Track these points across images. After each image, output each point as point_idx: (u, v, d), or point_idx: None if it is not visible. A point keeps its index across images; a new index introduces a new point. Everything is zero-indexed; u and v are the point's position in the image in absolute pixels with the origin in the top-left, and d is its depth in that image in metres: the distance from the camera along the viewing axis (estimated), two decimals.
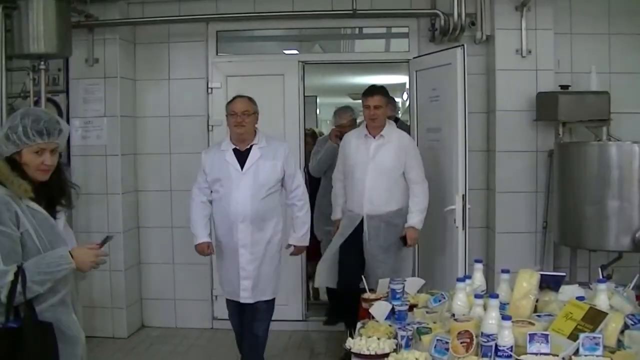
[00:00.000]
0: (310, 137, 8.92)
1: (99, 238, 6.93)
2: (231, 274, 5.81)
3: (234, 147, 5.79)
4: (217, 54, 7.75)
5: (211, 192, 5.85)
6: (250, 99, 5.88)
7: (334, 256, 6.40)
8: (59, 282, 3.30)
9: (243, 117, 5.68)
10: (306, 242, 6.12)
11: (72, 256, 3.30)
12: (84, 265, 3.37)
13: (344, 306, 6.32)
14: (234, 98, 5.88)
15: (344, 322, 6.55)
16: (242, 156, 5.75)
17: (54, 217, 3.52)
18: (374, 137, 6.30)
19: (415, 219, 6.17)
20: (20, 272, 3.13)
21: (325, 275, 6.49)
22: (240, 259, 5.73)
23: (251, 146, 5.78)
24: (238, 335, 6.08)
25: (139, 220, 7.64)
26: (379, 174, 6.24)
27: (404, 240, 6.19)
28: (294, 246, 6.08)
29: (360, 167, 6.29)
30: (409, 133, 7.21)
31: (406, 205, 6.24)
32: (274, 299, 5.95)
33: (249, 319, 5.85)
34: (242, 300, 5.79)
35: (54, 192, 3.55)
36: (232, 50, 8.04)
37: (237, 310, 5.95)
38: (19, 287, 3.11)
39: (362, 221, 6.26)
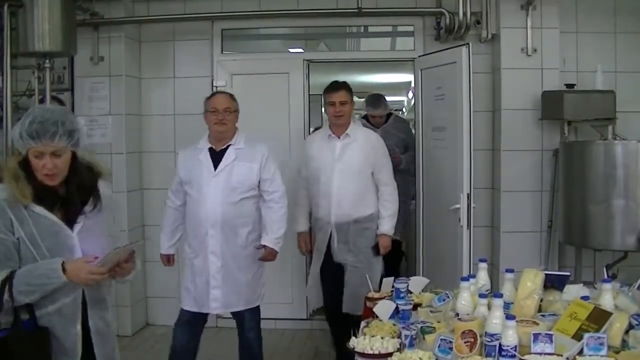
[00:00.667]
0: None
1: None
2: (200, 283, 5.37)
3: (209, 146, 5.41)
4: (222, 52, 7.76)
5: (179, 195, 5.54)
6: (231, 96, 5.58)
7: (318, 277, 6.16)
8: (57, 291, 3.19)
9: (224, 115, 5.34)
10: (278, 248, 5.53)
11: (64, 269, 3.13)
12: (78, 280, 3.18)
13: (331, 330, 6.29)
14: (214, 94, 5.66)
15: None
16: (217, 156, 5.36)
17: (74, 222, 3.35)
18: (339, 137, 6.01)
19: (386, 226, 5.97)
20: (9, 279, 3.07)
21: (315, 297, 6.33)
22: (211, 267, 5.32)
23: (228, 146, 5.41)
24: (175, 353, 5.50)
25: (144, 218, 7.65)
26: (346, 176, 5.90)
27: (376, 249, 5.99)
28: (265, 248, 5.48)
29: (325, 170, 5.96)
30: (407, 127, 7.30)
31: (377, 210, 6.05)
32: (257, 307, 5.61)
33: (242, 330, 5.56)
34: (212, 311, 5.45)
35: (70, 197, 3.35)
36: (237, 48, 8.04)
37: (192, 322, 5.49)
38: (5, 295, 3.05)
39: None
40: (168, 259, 5.69)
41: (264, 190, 5.46)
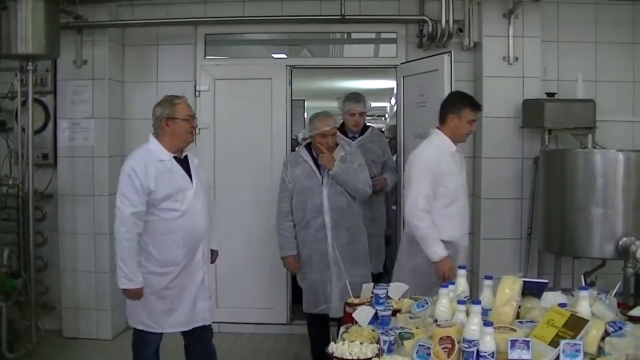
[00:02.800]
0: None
1: (85, 240, 6.99)
2: (185, 300, 5.03)
3: (173, 155, 4.99)
4: (205, 57, 7.76)
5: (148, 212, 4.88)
6: None
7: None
8: None
9: (195, 121, 5.12)
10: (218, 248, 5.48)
11: None
12: None
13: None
14: (179, 99, 5.07)
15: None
16: (182, 165, 5.02)
17: None
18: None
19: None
20: None
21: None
22: (205, 279, 5.11)
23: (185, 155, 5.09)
24: None
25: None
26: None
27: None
28: (213, 253, 5.42)
29: (463, 188, 5.57)
30: (384, 143, 7.42)
31: None
32: None
33: (203, 341, 5.30)
34: (202, 324, 5.14)
35: None
36: (220, 53, 8.04)
37: (159, 344, 5.23)
38: None
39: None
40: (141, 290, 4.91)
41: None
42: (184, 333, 5.21)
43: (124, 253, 4.83)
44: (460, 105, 5.31)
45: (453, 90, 6.19)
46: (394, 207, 6.97)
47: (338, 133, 6.25)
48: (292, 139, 7.91)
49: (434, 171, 5.22)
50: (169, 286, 4.97)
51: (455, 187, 5.33)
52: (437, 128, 5.41)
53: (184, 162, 5.03)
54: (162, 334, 5.13)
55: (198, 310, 5.09)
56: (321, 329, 6.12)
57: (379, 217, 7.02)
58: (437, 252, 5.16)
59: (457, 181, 5.36)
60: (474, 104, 5.38)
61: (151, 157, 4.92)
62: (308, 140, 6.01)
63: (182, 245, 4.92)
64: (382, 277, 6.62)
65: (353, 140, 6.87)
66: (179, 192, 4.89)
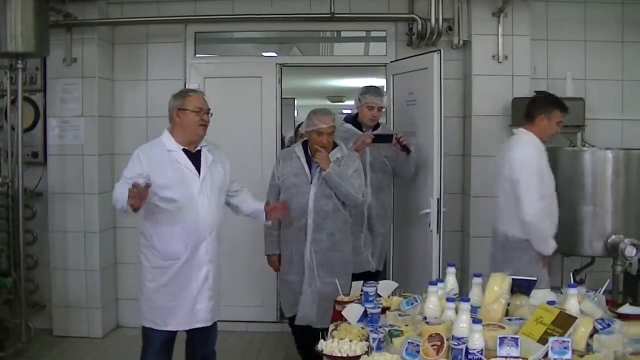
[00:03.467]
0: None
1: (75, 238, 6.98)
2: (186, 298, 4.91)
3: (182, 147, 4.93)
4: (195, 55, 7.77)
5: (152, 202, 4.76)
6: None
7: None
8: None
9: (207, 116, 5.00)
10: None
11: None
12: None
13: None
14: (192, 92, 5.08)
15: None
16: (193, 159, 4.94)
17: None
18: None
19: None
20: None
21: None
22: (209, 276, 4.95)
23: (199, 148, 5.02)
24: None
25: (115, 220, 7.62)
26: None
27: None
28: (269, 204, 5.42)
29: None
30: None
31: None
32: None
33: (204, 342, 5.20)
34: (202, 324, 4.99)
35: None
36: (210, 51, 8.05)
37: (170, 344, 5.07)
38: None
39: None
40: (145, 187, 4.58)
41: (232, 191, 5.32)
42: (187, 330, 5.07)
43: (115, 197, 4.75)
44: (550, 107, 5.45)
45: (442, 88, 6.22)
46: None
47: (351, 127, 6.34)
48: (281, 137, 7.92)
49: (540, 170, 5.34)
50: (171, 281, 4.88)
51: (552, 184, 5.49)
52: (524, 128, 5.50)
53: (195, 156, 4.96)
54: (170, 335, 4.99)
55: (197, 310, 4.94)
56: (302, 329, 5.85)
57: (387, 214, 6.72)
58: (553, 245, 5.45)
59: (552, 179, 5.50)
60: (563, 106, 5.50)
61: (160, 147, 4.91)
62: (305, 138, 5.80)
63: (183, 239, 4.83)
64: (379, 275, 6.54)
65: None
66: (182, 183, 4.82)
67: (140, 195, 4.50)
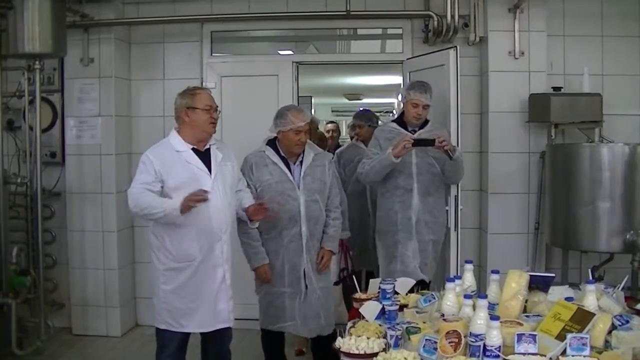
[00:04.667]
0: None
1: (93, 237, 7.01)
2: (206, 300, 4.85)
3: (192, 146, 4.86)
4: (211, 54, 7.77)
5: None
6: None
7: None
8: None
9: (215, 114, 4.91)
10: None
11: None
12: None
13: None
14: (200, 90, 5.00)
15: None
16: (202, 158, 4.86)
17: None
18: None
19: None
20: None
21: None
22: (226, 276, 4.90)
23: (209, 146, 4.95)
24: None
25: (133, 219, 7.61)
26: None
27: None
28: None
29: None
30: None
31: None
32: None
33: (220, 342, 5.13)
34: (224, 325, 4.96)
35: None
36: (226, 50, 8.06)
37: (184, 346, 5.02)
38: None
39: None
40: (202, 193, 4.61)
41: (237, 189, 5.15)
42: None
43: (149, 209, 4.67)
44: None
45: (459, 85, 6.21)
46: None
47: (396, 127, 6.05)
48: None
49: None
50: (187, 283, 4.81)
51: None
52: None
53: (205, 155, 4.88)
54: (185, 337, 4.95)
55: (219, 310, 4.89)
56: (278, 348, 5.78)
57: (437, 220, 6.14)
58: None
59: None
60: None
61: (168, 148, 4.82)
62: (270, 137, 5.55)
63: (197, 240, 4.75)
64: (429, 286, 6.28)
65: (413, 134, 5.95)
66: (194, 183, 4.70)
67: (187, 206, 4.56)
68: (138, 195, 4.71)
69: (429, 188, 5.94)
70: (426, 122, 6.02)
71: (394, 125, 6.07)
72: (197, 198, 4.55)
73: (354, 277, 4.93)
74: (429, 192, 5.95)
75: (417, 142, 5.66)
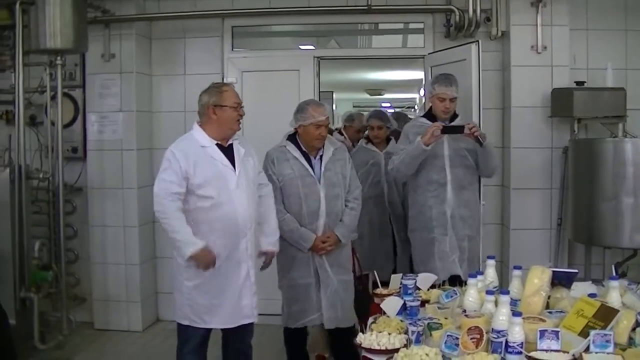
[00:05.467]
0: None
1: (114, 232, 7.02)
2: (229, 296, 4.83)
3: (216, 142, 4.83)
4: (232, 49, 7.78)
5: (188, 200, 4.74)
6: None
7: None
8: None
9: (242, 110, 4.91)
10: (277, 249, 5.19)
11: None
12: None
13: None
14: (227, 87, 4.97)
15: None
16: (226, 153, 4.83)
17: None
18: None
19: None
20: None
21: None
22: (250, 272, 4.88)
23: (232, 142, 4.92)
24: None
25: (155, 214, 7.62)
26: None
27: None
28: (267, 253, 5.14)
29: None
30: None
31: None
32: None
33: (241, 338, 5.10)
34: (248, 321, 4.95)
35: None
36: (247, 45, 8.05)
37: (206, 342, 5.02)
38: None
39: None
40: (210, 251, 4.69)
41: (259, 184, 5.10)
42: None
43: (167, 225, 4.70)
44: None
45: (481, 80, 6.18)
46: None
47: (425, 121, 5.80)
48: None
49: None
50: (211, 279, 4.78)
51: None
52: None
53: (228, 151, 4.86)
54: (207, 333, 4.95)
55: (243, 306, 4.87)
56: (300, 344, 5.78)
57: (473, 214, 5.97)
58: None
59: None
60: None
61: (193, 143, 4.79)
62: (290, 132, 5.56)
63: (222, 236, 4.73)
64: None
65: None
66: (219, 179, 4.72)
67: (210, 260, 4.68)
68: (169, 210, 4.70)
69: (462, 181, 5.75)
70: (455, 115, 5.85)
71: (424, 120, 5.91)
72: (207, 263, 4.68)
73: (375, 272, 4.87)
74: (462, 185, 5.75)
75: (446, 129, 5.53)
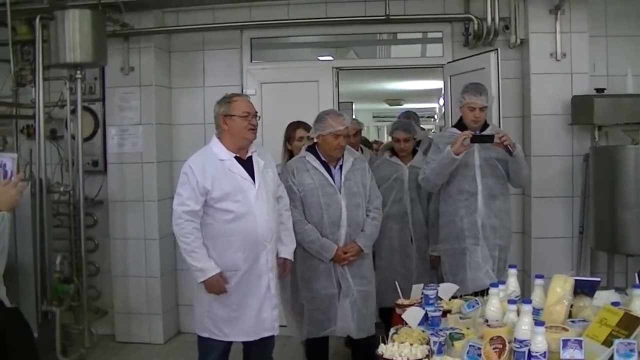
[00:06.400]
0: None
1: (135, 245, 7.04)
2: (250, 309, 4.82)
3: (235, 155, 4.83)
4: (251, 61, 7.79)
5: (203, 212, 4.76)
6: None
7: None
8: None
9: (255, 119, 4.86)
10: (292, 258, 5.20)
11: None
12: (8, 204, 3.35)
13: None
14: (237, 97, 4.94)
15: None
16: (245, 166, 4.83)
17: None
18: None
19: None
20: None
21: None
22: (271, 285, 4.85)
23: (251, 154, 4.92)
24: None
25: None
26: None
27: None
28: (284, 260, 5.12)
29: None
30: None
31: None
32: None
33: (262, 351, 5.09)
34: (268, 334, 4.92)
35: None
36: (266, 57, 8.07)
37: (226, 355, 5.01)
38: None
39: None
40: (221, 276, 4.73)
41: (278, 196, 5.12)
42: None
43: (185, 249, 4.73)
44: None
45: (500, 88, 6.16)
46: None
47: (456, 131, 5.74)
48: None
49: None
50: (231, 292, 4.77)
51: None
52: None
53: (247, 163, 4.86)
54: (228, 346, 4.94)
55: (264, 319, 4.86)
56: (322, 355, 5.74)
57: (504, 224, 5.85)
58: None
59: None
60: None
61: (211, 156, 4.79)
62: (310, 143, 5.59)
63: (242, 249, 4.73)
64: None
65: None
66: (239, 193, 4.72)
67: (219, 287, 4.74)
68: (184, 232, 4.73)
69: (493, 191, 5.71)
70: (486, 124, 5.79)
71: (454, 130, 5.84)
72: (217, 291, 4.75)
73: (397, 282, 4.83)
74: (493, 194, 5.70)
75: (476, 138, 5.49)
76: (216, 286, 4.72)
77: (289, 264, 5.18)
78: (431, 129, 21.02)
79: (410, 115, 7.50)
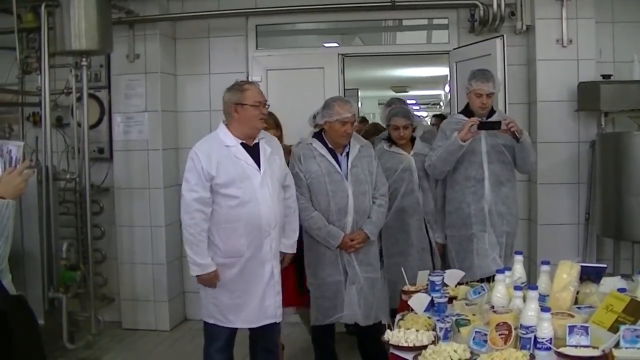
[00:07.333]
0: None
1: (141, 232, 7.04)
2: (253, 296, 4.81)
3: (241, 141, 4.79)
4: (257, 48, 7.78)
5: (212, 199, 4.73)
6: None
7: None
8: None
9: (265, 108, 4.82)
10: (294, 251, 5.19)
11: None
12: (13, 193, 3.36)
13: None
14: (249, 85, 4.86)
15: None
16: (251, 152, 4.78)
17: None
18: None
19: None
20: None
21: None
22: (274, 272, 4.84)
23: (257, 141, 4.87)
24: None
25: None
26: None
27: None
28: (285, 255, 5.10)
29: None
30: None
31: None
32: None
33: (268, 337, 5.07)
34: (271, 321, 4.89)
35: None
36: (271, 44, 8.05)
37: (232, 341, 5.02)
38: None
39: None
40: (215, 275, 4.76)
41: (285, 184, 5.08)
42: None
43: (189, 239, 4.73)
44: None
45: (506, 74, 6.14)
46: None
47: (463, 118, 5.73)
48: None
49: None
50: (235, 279, 4.78)
51: None
52: None
53: (254, 150, 4.81)
54: (233, 332, 4.94)
55: (266, 307, 4.83)
56: (329, 342, 5.75)
57: (511, 211, 5.87)
58: None
59: None
60: None
61: (217, 142, 4.77)
62: (316, 130, 5.53)
63: (245, 236, 4.70)
64: None
65: None
66: (244, 179, 4.68)
67: (210, 283, 4.80)
68: (193, 229, 4.72)
69: (500, 177, 5.69)
70: (493, 111, 5.78)
71: (461, 116, 5.82)
72: (209, 285, 4.82)
73: (403, 269, 4.82)
74: (500, 181, 5.69)
75: (483, 125, 5.47)
76: (208, 282, 4.78)
77: (289, 257, 5.18)
78: (425, 116, 20.99)
79: (401, 101, 7.29)
